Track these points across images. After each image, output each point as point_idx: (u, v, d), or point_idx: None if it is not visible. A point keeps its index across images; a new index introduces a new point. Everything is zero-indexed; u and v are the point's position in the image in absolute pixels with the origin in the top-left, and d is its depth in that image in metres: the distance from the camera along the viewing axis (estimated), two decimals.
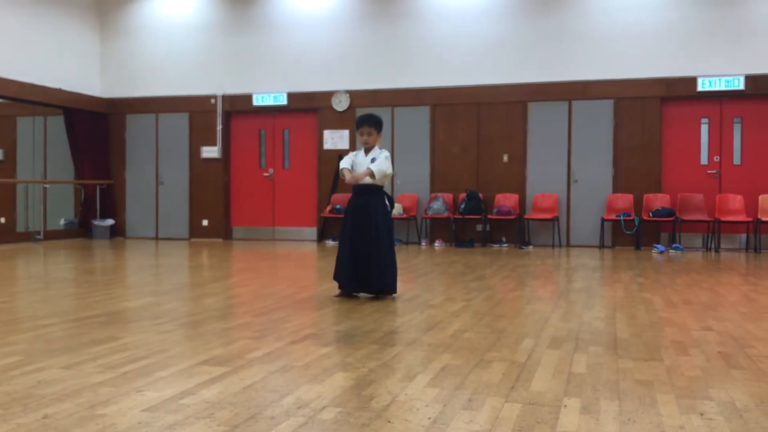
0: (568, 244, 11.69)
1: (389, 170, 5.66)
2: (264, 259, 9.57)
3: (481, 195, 11.84)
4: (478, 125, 12.08)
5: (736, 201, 11.01)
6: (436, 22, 12.26)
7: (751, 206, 11.00)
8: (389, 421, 2.61)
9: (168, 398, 2.88)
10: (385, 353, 3.73)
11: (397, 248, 11.12)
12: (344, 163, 5.79)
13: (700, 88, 11.17)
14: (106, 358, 3.58)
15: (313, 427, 2.55)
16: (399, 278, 6.06)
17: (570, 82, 11.65)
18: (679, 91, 11.27)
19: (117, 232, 13.76)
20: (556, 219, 11.53)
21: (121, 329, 4.39)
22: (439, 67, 12.21)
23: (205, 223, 13.40)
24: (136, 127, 13.81)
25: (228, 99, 13.28)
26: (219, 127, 13.28)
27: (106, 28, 13.91)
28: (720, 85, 11.08)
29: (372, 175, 5.58)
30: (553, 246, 11.56)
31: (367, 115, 5.86)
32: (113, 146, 13.96)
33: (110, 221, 13.58)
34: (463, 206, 11.73)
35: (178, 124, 13.57)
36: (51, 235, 12.98)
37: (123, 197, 13.89)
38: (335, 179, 12.64)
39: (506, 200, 11.83)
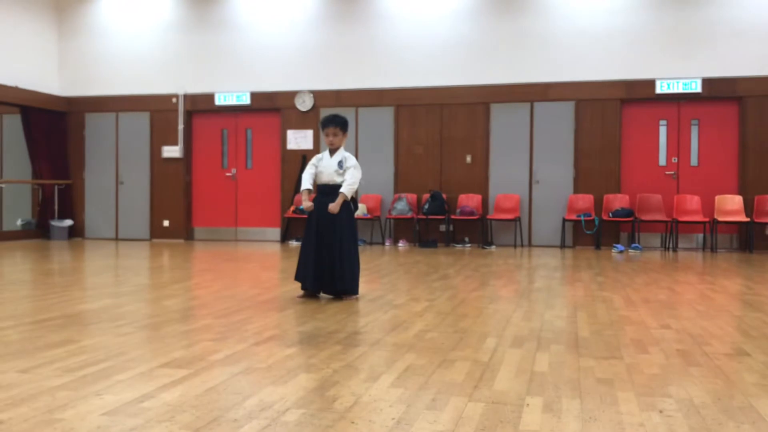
0: (529, 244, 11.80)
1: (357, 183, 5.73)
2: (226, 260, 9.48)
3: (444, 195, 11.89)
4: (441, 126, 12.14)
5: (693, 201, 11.23)
6: (400, 23, 12.28)
7: (708, 206, 11.23)
8: (353, 422, 2.61)
9: (128, 401, 2.83)
10: (349, 354, 3.72)
11: (360, 248, 11.11)
12: (306, 182, 5.75)
13: (658, 91, 11.36)
14: (63, 361, 3.51)
15: (276, 429, 2.53)
16: (363, 278, 6.05)
17: (532, 84, 11.76)
18: (638, 94, 11.46)
19: (75, 232, 13.52)
20: (518, 219, 11.63)
21: (79, 332, 4.30)
22: (402, 68, 12.24)
23: (166, 223, 13.24)
24: (96, 126, 13.59)
25: (189, 98, 13.14)
26: (180, 127, 13.13)
27: (65, 25, 13.67)
28: (678, 87, 11.29)
29: (346, 197, 5.66)
30: (515, 246, 11.66)
31: (333, 115, 5.84)
32: (72, 146, 13.71)
33: (69, 222, 13.34)
34: (426, 207, 11.77)
35: (138, 123, 13.38)
36: (7, 236, 12.70)
37: (82, 197, 13.65)
38: (299, 179, 12.57)
39: (469, 201, 11.90)
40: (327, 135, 5.74)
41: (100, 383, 3.10)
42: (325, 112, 12.47)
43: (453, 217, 11.78)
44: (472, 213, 11.65)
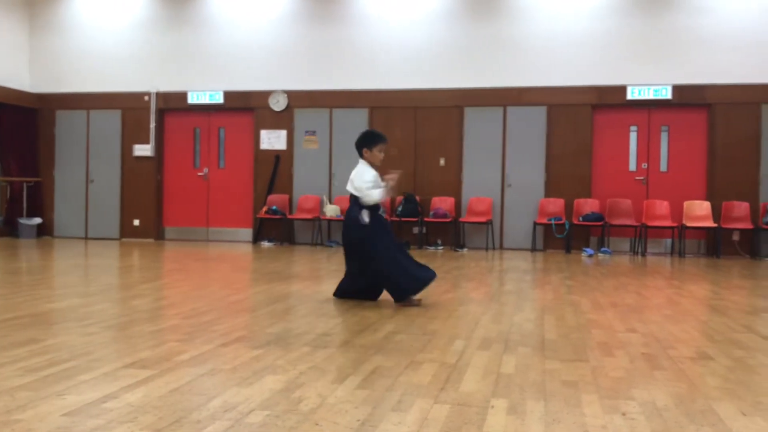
0: (501, 247, 11.86)
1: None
2: (196, 260, 9.41)
3: (417, 198, 11.92)
4: (415, 129, 12.16)
5: (662, 207, 11.36)
6: (376, 25, 12.29)
7: (677, 212, 11.37)
8: (317, 424, 2.60)
9: (90, 402, 2.80)
10: (317, 355, 3.71)
11: (333, 250, 11.10)
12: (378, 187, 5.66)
13: (629, 97, 11.49)
14: (26, 361, 3.46)
15: (240, 430, 2.52)
16: (332, 280, 6.04)
17: (505, 88, 11.83)
18: (609, 99, 11.58)
19: (45, 231, 13.33)
20: (490, 222, 11.69)
21: (44, 331, 4.25)
22: (377, 70, 12.24)
23: (136, 222, 13.11)
24: (67, 123, 13.42)
25: (162, 96, 13.03)
26: (152, 125, 13.01)
27: (36, 21, 13.48)
28: (648, 94, 11.42)
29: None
30: (486, 249, 11.71)
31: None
32: (42, 143, 13.53)
33: (38, 220, 13.15)
34: (400, 209, 11.78)
35: (109, 121, 13.24)
36: None
37: (51, 195, 13.47)
38: (272, 179, 12.53)
39: (442, 203, 11.93)
40: (381, 152, 5.68)
41: (63, 383, 3.06)
42: (299, 113, 12.48)
43: (426, 219, 11.80)
44: (445, 215, 11.68)
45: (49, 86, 13.44)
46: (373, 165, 5.63)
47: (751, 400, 3.01)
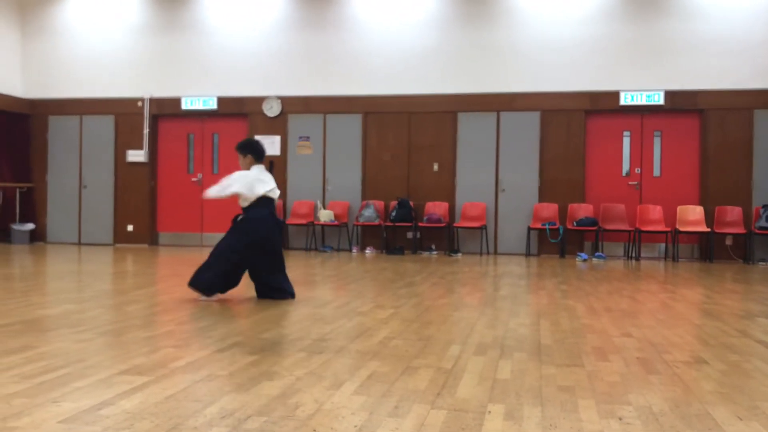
0: (495, 252, 11.87)
1: (223, 193, 6.45)
2: (191, 266, 9.33)
3: (411, 203, 11.92)
4: (409, 134, 12.17)
5: (655, 211, 11.40)
6: (369, 30, 12.30)
7: (670, 217, 11.41)
8: (314, 430, 2.60)
9: (85, 409, 2.79)
10: (313, 361, 3.71)
11: (328, 255, 11.09)
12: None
13: (622, 102, 11.53)
14: (20, 368, 3.44)
15: None
16: (329, 285, 6.02)
17: (498, 93, 11.85)
18: (602, 105, 11.62)
19: (37, 236, 13.28)
20: (484, 227, 11.70)
21: (38, 338, 4.23)
22: (371, 75, 12.25)
23: (130, 228, 13.07)
24: (59, 129, 13.38)
25: (155, 102, 13.01)
26: (146, 131, 12.99)
27: (28, 26, 13.45)
28: (641, 99, 11.47)
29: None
30: (481, 254, 11.72)
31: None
32: (34, 148, 13.48)
33: (30, 225, 13.10)
34: (394, 214, 11.79)
35: (103, 126, 13.20)
36: None
37: (44, 201, 13.41)
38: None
39: (436, 208, 11.94)
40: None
41: (58, 390, 3.05)
42: (293, 119, 12.49)
43: (420, 224, 11.81)
44: (439, 221, 11.69)
45: (42, 92, 13.40)
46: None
47: (746, 405, 3.02)
